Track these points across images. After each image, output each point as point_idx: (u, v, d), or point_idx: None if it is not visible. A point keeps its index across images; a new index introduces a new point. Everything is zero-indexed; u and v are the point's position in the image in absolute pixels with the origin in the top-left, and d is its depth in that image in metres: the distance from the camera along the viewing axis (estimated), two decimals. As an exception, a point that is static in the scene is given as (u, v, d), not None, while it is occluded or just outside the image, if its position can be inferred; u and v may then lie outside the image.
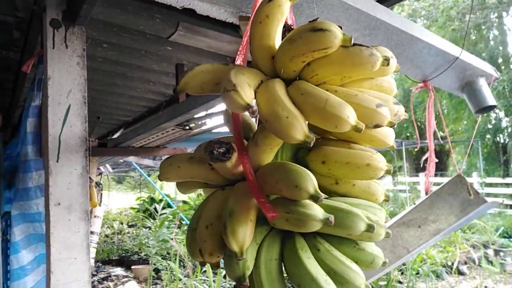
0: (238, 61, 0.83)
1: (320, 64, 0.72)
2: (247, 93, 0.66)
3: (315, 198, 0.65)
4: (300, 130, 0.66)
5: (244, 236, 0.67)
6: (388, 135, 0.78)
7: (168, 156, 0.83)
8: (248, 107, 0.64)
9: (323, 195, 0.66)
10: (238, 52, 0.82)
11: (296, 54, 0.70)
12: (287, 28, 0.83)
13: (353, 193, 0.76)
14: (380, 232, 0.75)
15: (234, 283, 0.73)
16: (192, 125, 2.78)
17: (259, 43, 0.77)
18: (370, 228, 0.71)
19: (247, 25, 1.68)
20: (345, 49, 0.70)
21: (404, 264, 5.77)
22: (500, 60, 16.74)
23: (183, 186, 0.87)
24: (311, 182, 0.66)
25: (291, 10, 0.87)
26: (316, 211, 0.67)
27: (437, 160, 2.02)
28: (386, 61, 0.72)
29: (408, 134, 18.83)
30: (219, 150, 0.71)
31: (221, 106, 2.71)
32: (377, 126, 0.73)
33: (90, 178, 2.02)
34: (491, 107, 1.89)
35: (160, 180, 0.83)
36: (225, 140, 0.73)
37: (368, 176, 0.75)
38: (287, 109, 0.67)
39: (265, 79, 0.75)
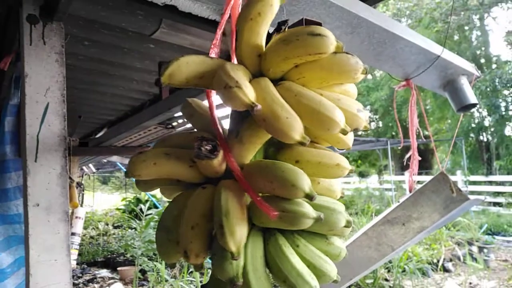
0: (213, 54, 0.82)
1: (308, 68, 0.74)
2: (250, 91, 0.66)
3: (310, 197, 0.67)
4: (298, 131, 0.67)
5: (242, 235, 0.67)
6: (351, 138, 0.82)
7: (138, 152, 0.78)
8: (253, 105, 0.64)
9: (316, 194, 0.68)
10: (212, 45, 0.81)
11: (291, 55, 0.71)
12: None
13: (318, 191, 0.78)
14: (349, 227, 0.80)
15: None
16: (174, 123, 2.75)
17: (248, 40, 0.76)
18: (348, 223, 0.76)
19: (229, 22, 1.66)
20: (334, 56, 0.73)
21: (390, 262, 5.82)
22: (482, 60, 17.04)
23: (147, 184, 0.83)
24: (306, 181, 0.67)
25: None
26: (309, 209, 0.69)
27: (420, 159, 2.03)
28: (365, 69, 0.76)
29: (393, 133, 19.04)
30: (206, 147, 0.69)
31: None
32: (356, 129, 0.78)
33: (71, 178, 1.98)
34: (473, 105, 1.90)
35: (129, 177, 0.77)
36: (203, 136, 0.71)
37: (336, 175, 0.79)
38: (285, 109, 0.68)
39: (251, 77, 0.76)
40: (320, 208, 0.73)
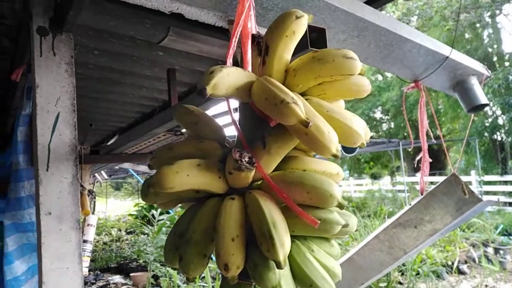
0: (228, 64, 0.83)
1: (331, 86, 0.80)
2: (303, 107, 0.69)
3: (341, 206, 0.72)
4: (336, 145, 0.71)
5: (289, 245, 0.69)
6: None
7: (171, 160, 0.75)
8: (308, 121, 0.66)
9: (346, 202, 0.73)
10: (228, 56, 0.82)
11: (324, 74, 0.77)
12: (257, 39, 0.85)
13: None
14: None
15: None
16: (183, 130, 2.76)
17: (281, 56, 0.80)
18: (346, 226, 0.78)
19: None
20: (352, 76, 0.80)
21: (404, 265, 5.76)
22: (495, 58, 16.81)
23: (167, 202, 0.83)
24: (339, 191, 0.72)
25: (252, 18, 0.89)
26: (338, 217, 0.73)
27: (431, 160, 2.01)
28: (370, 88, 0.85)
29: (405, 134, 18.86)
30: (245, 159, 0.70)
31: (212, 111, 2.69)
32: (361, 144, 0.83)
33: (82, 186, 2.01)
34: (483, 106, 1.88)
35: (158, 190, 0.73)
36: (238, 148, 0.73)
37: (336, 182, 0.83)
38: (326, 124, 0.71)
39: None
40: (341, 215, 0.79)
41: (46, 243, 1.46)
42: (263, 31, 1.40)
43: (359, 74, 0.79)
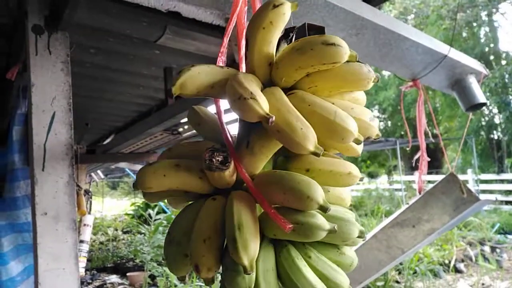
0: (220, 62, 0.81)
1: (321, 77, 0.74)
2: (264, 102, 0.65)
3: (324, 209, 0.66)
4: (313, 142, 0.66)
5: (255, 249, 0.65)
6: (361, 145, 0.81)
7: (144, 164, 0.76)
8: (268, 116, 0.63)
9: (330, 206, 0.67)
10: (220, 53, 0.80)
11: (305, 65, 0.71)
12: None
13: (329, 200, 0.76)
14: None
15: None
16: (180, 129, 2.75)
17: (260, 49, 0.76)
18: (362, 234, 0.74)
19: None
20: (347, 65, 0.73)
21: (401, 264, 5.77)
22: (491, 57, 16.86)
23: (154, 195, 0.82)
24: (320, 193, 0.66)
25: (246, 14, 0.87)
26: (323, 220, 0.68)
27: (429, 159, 2.01)
28: (377, 78, 0.76)
29: (402, 133, 18.91)
30: (217, 158, 0.68)
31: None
32: (368, 138, 0.77)
33: (78, 185, 1.99)
34: (481, 105, 1.88)
35: (139, 189, 0.74)
36: (213, 147, 0.70)
37: (347, 184, 0.77)
38: (300, 120, 0.67)
39: (262, 87, 0.75)
40: (333, 219, 0.72)
41: (42, 243, 1.45)
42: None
43: (349, 61, 0.73)
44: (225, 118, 0.81)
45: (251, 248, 0.64)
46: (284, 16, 0.76)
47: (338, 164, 0.76)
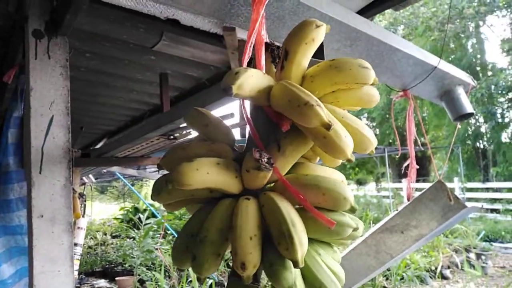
0: (245, 64, 0.84)
1: (344, 94, 0.83)
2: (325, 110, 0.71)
3: (353, 209, 0.74)
4: (351, 149, 0.73)
5: (306, 245, 0.70)
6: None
7: (185, 160, 0.74)
8: (330, 123, 0.68)
9: (357, 206, 0.75)
10: (244, 60, 0.83)
11: (340, 82, 0.79)
12: (271, 46, 0.87)
13: None
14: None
15: None
16: (176, 134, 2.78)
17: (299, 61, 0.82)
18: (356, 230, 0.79)
19: (231, 35, 1.70)
20: (364, 86, 0.83)
21: (388, 270, 5.83)
22: (478, 68, 17.17)
23: (176, 204, 0.84)
24: (352, 194, 0.74)
25: (266, 25, 0.91)
26: (350, 220, 0.74)
27: (418, 167, 2.06)
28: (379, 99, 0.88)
29: (390, 141, 19.09)
30: (264, 159, 0.71)
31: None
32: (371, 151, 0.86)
33: (73, 189, 2.00)
34: (469, 115, 1.94)
35: (181, 187, 0.72)
36: (258, 148, 0.73)
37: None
38: (343, 129, 0.73)
39: None
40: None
41: (38, 245, 1.46)
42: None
43: (372, 84, 0.82)
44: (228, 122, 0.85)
45: (304, 244, 0.69)
46: (322, 35, 0.84)
47: (334, 173, 0.85)
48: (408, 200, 2.16)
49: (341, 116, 0.79)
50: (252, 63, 0.86)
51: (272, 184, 0.80)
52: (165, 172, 0.86)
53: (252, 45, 0.84)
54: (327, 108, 0.76)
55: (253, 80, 0.75)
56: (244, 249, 0.70)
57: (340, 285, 0.78)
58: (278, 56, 0.88)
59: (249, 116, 0.81)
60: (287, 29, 1.25)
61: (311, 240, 0.79)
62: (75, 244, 2.76)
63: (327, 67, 0.80)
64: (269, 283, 0.73)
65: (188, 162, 0.74)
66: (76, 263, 2.95)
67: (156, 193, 0.80)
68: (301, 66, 0.83)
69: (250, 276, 0.71)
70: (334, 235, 0.75)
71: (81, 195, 3.02)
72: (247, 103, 0.84)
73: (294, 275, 0.72)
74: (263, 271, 0.76)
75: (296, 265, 0.68)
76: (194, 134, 3.10)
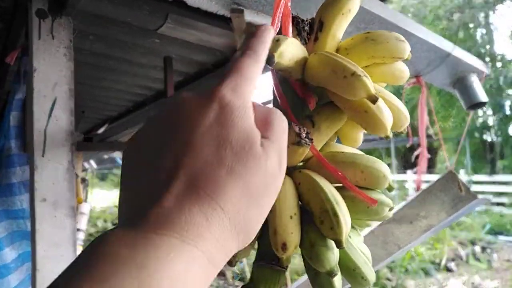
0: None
1: (377, 69, 0.78)
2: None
3: (391, 188, 0.70)
4: (391, 125, 0.69)
5: (349, 224, 0.65)
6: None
7: None
8: (376, 96, 0.63)
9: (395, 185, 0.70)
10: (275, 26, 0.79)
11: (377, 55, 0.74)
12: (296, 19, 0.81)
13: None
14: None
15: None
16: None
17: (334, 33, 0.77)
18: (391, 209, 0.75)
19: (239, 17, 1.64)
20: (397, 62, 0.77)
21: (393, 262, 5.81)
22: (487, 59, 16.97)
23: None
24: (390, 172, 0.69)
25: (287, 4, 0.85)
26: (387, 198, 0.70)
27: (429, 156, 2.01)
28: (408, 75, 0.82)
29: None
30: (303, 134, 0.66)
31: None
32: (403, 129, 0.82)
33: (76, 174, 1.97)
34: (483, 104, 1.88)
35: None
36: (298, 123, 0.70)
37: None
38: (384, 104, 0.68)
39: None
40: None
41: (41, 229, 1.43)
42: (261, 18, 1.38)
43: (405, 59, 0.77)
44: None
45: (348, 222, 0.65)
46: (358, 6, 0.79)
47: (356, 153, 0.79)
48: (418, 190, 2.12)
49: (377, 91, 0.74)
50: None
51: (303, 163, 0.75)
52: None
53: (280, 17, 0.79)
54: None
55: (293, 48, 0.69)
56: (285, 229, 0.66)
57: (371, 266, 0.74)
58: (303, 29, 0.82)
59: (280, 90, 0.76)
60: (299, 9, 1.20)
61: None
62: (78, 230, 2.75)
63: (363, 39, 0.75)
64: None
65: None
66: (79, 249, 2.94)
67: None
68: (336, 38, 0.77)
69: (289, 258, 0.67)
70: (372, 215, 0.70)
71: (84, 180, 3.00)
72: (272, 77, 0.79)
73: (336, 256, 0.67)
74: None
75: (339, 245, 0.63)
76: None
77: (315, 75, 0.71)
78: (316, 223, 0.67)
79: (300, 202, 0.71)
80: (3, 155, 1.99)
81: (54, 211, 1.46)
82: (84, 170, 6.43)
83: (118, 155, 6.40)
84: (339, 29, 0.77)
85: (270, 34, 0.43)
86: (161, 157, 0.33)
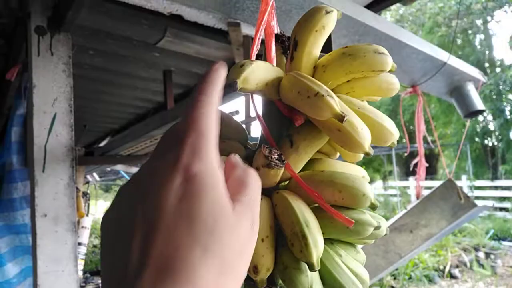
0: (254, 57, 0.81)
1: (360, 83, 0.76)
2: (338, 101, 0.66)
3: (374, 206, 0.67)
4: (369, 142, 0.67)
5: (322, 246, 0.65)
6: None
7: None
8: (343, 115, 0.62)
9: (378, 203, 0.68)
10: (252, 53, 0.80)
11: (355, 70, 0.73)
12: (281, 37, 0.82)
13: None
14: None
15: None
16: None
17: (310, 50, 0.76)
18: (378, 228, 0.74)
19: (236, 31, 1.66)
20: (382, 74, 0.75)
21: (396, 269, 5.78)
22: (486, 64, 17.02)
23: None
24: (371, 191, 0.67)
25: (276, 18, 0.86)
26: (370, 218, 0.68)
27: (427, 165, 2.02)
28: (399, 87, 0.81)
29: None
30: (274, 156, 0.66)
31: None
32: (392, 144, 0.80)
33: (77, 188, 1.98)
34: (480, 112, 1.89)
35: None
36: (267, 145, 0.70)
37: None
38: (359, 120, 0.67)
39: None
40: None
41: (42, 245, 1.44)
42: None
43: (390, 71, 0.76)
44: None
45: (319, 245, 0.64)
46: (333, 22, 0.77)
47: (354, 168, 0.78)
48: (417, 198, 2.12)
49: (357, 107, 0.72)
50: (262, 57, 0.82)
51: (286, 183, 0.76)
52: None
53: (261, 38, 0.79)
54: (342, 99, 0.72)
55: (260, 72, 0.70)
56: (256, 251, 0.66)
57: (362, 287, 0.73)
58: (289, 47, 0.83)
59: (259, 111, 0.77)
60: (293, 23, 1.22)
61: (331, 241, 0.74)
62: (80, 244, 2.75)
63: (340, 55, 0.74)
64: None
65: None
66: (81, 263, 2.94)
67: None
68: (312, 55, 0.77)
69: (263, 280, 0.67)
70: (354, 235, 0.69)
71: (85, 194, 3.00)
72: (258, 98, 0.80)
73: (310, 278, 0.67)
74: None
75: (311, 267, 0.63)
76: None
77: (285, 96, 0.71)
78: (289, 245, 0.67)
79: (277, 224, 0.71)
80: (5, 170, 2.00)
81: (55, 226, 1.46)
82: (87, 183, 6.44)
83: (121, 168, 6.41)
84: (315, 47, 0.76)
85: (218, 72, 0.43)
86: (133, 236, 0.31)
